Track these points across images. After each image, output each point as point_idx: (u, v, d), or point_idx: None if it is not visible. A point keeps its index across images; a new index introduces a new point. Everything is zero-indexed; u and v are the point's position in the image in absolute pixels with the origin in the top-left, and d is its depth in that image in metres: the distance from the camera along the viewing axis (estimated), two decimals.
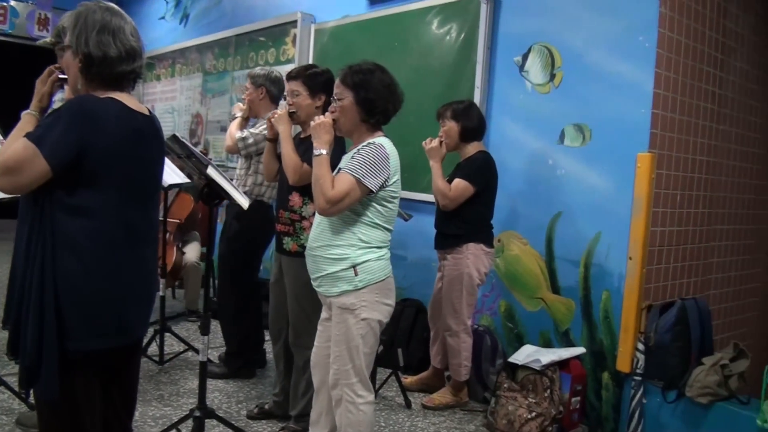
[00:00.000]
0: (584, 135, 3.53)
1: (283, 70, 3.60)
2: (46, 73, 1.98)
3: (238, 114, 3.82)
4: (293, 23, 5.27)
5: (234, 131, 3.71)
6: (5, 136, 1.95)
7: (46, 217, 1.72)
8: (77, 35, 1.80)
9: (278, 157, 3.18)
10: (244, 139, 3.63)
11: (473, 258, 3.52)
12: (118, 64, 1.82)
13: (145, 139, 1.88)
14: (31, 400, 2.99)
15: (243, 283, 3.78)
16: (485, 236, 3.58)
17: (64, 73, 1.92)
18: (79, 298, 1.74)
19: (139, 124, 1.85)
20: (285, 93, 3.10)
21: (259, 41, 5.73)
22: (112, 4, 1.86)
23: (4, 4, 7.91)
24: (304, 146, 2.92)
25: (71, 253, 1.73)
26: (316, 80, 3.01)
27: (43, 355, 1.69)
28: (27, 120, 1.89)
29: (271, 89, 3.73)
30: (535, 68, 3.74)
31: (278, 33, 5.48)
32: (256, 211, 3.41)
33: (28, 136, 1.70)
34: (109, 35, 1.80)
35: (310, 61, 5.05)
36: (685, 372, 3.14)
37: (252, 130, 3.67)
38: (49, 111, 1.87)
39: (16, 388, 3.18)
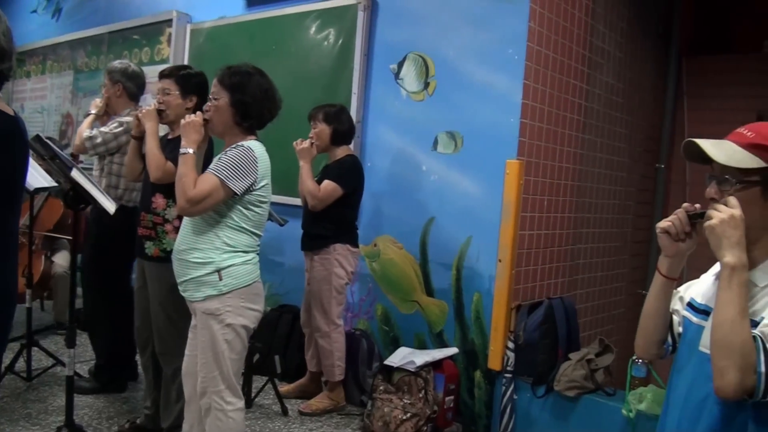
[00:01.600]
0: (456, 142, 3.64)
1: (158, 69, 3.46)
2: None
3: (93, 111, 3.63)
4: (168, 22, 5.12)
5: (83, 129, 3.53)
6: None
7: None
8: None
9: (143, 156, 3.07)
10: (91, 138, 3.44)
11: (341, 258, 3.57)
12: None
13: (12, 142, 1.78)
14: None
15: (108, 292, 3.60)
16: (351, 237, 3.64)
17: None
18: None
19: (6, 126, 1.75)
20: (156, 90, 3.00)
21: (133, 39, 5.52)
22: None
23: None
24: (170, 147, 2.86)
25: None
26: (188, 81, 2.97)
27: None
28: None
29: (128, 85, 3.57)
30: (409, 76, 3.81)
31: (153, 31, 5.31)
32: (113, 214, 3.27)
33: None
34: None
35: (185, 62, 4.93)
36: (553, 367, 3.29)
37: (102, 128, 3.50)
38: None
39: None
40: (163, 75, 2.99)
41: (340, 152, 3.64)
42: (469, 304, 3.57)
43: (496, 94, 3.47)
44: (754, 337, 1.28)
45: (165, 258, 2.79)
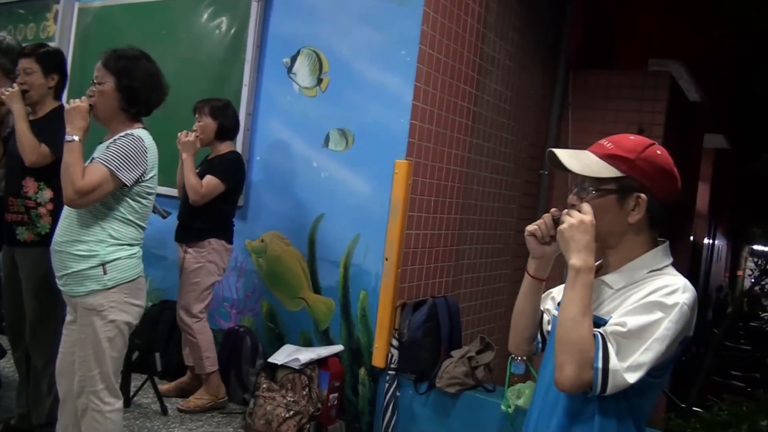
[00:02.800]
0: (347, 140, 3.65)
1: None
2: None
3: None
4: None
5: None
6: None
7: None
8: None
9: (3, 141, 2.97)
10: None
11: (215, 253, 3.55)
12: None
13: None
14: None
15: None
16: (227, 233, 3.64)
17: None
18: None
19: None
20: (18, 70, 2.88)
21: (18, 13, 5.22)
22: None
23: None
24: (36, 129, 2.74)
25: None
26: (50, 59, 2.89)
27: None
28: None
29: (2, 61, 3.33)
30: (303, 71, 3.78)
31: (40, 7, 5.06)
32: None
33: None
34: None
35: (71, 42, 4.74)
36: (436, 365, 3.37)
37: None
38: None
39: None
40: (23, 54, 2.88)
41: (223, 148, 3.63)
42: (356, 302, 3.59)
43: (387, 94, 3.51)
44: (596, 335, 1.34)
45: (40, 242, 2.70)
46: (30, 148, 2.69)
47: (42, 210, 2.77)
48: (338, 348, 3.57)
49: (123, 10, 4.55)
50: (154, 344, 3.87)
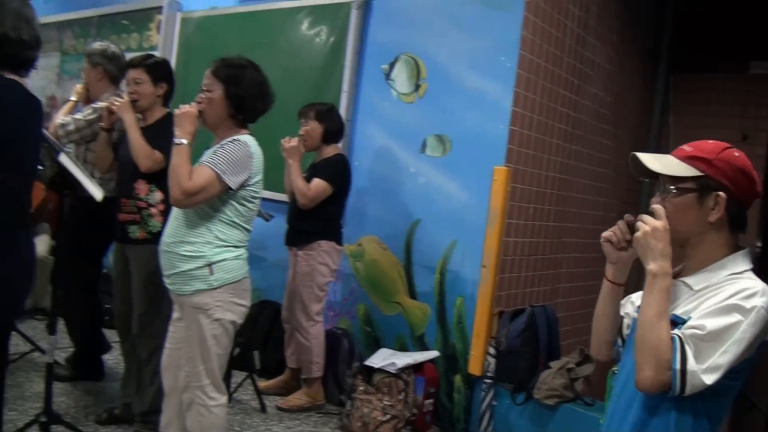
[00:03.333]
0: (445, 146, 3.64)
1: None
2: None
3: (73, 98, 3.56)
4: (159, 9, 5.07)
5: (59, 116, 3.45)
6: None
7: None
8: None
9: (114, 147, 3.12)
10: (64, 125, 3.35)
11: (325, 255, 3.57)
12: (27, 50, 1.93)
13: (39, 120, 2.01)
14: None
15: (83, 281, 3.54)
16: (336, 234, 3.66)
17: None
18: None
19: (36, 105, 1.97)
20: (127, 81, 3.02)
21: (122, 24, 5.46)
22: None
23: None
24: (147, 136, 2.88)
25: None
26: (158, 69, 3.02)
27: None
28: None
29: (109, 68, 3.50)
30: (401, 77, 3.81)
31: (143, 18, 5.27)
32: (88, 202, 3.23)
33: None
34: (24, 22, 1.91)
35: (174, 51, 4.92)
36: (533, 375, 3.30)
37: (76, 115, 3.42)
38: None
39: None
40: (131, 65, 3.02)
41: (330, 151, 3.66)
42: (452, 308, 3.57)
43: (486, 100, 3.48)
44: (674, 338, 1.38)
45: (151, 240, 2.81)
46: (144, 155, 2.83)
47: (153, 210, 2.90)
48: (434, 354, 3.56)
49: (224, 19, 4.69)
50: (253, 343, 3.98)
